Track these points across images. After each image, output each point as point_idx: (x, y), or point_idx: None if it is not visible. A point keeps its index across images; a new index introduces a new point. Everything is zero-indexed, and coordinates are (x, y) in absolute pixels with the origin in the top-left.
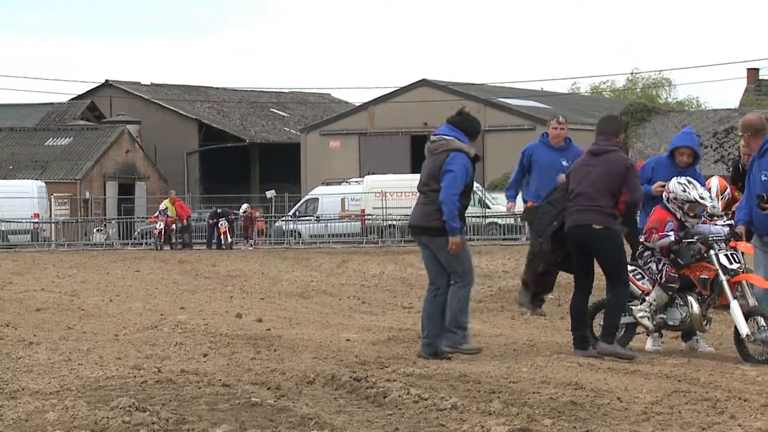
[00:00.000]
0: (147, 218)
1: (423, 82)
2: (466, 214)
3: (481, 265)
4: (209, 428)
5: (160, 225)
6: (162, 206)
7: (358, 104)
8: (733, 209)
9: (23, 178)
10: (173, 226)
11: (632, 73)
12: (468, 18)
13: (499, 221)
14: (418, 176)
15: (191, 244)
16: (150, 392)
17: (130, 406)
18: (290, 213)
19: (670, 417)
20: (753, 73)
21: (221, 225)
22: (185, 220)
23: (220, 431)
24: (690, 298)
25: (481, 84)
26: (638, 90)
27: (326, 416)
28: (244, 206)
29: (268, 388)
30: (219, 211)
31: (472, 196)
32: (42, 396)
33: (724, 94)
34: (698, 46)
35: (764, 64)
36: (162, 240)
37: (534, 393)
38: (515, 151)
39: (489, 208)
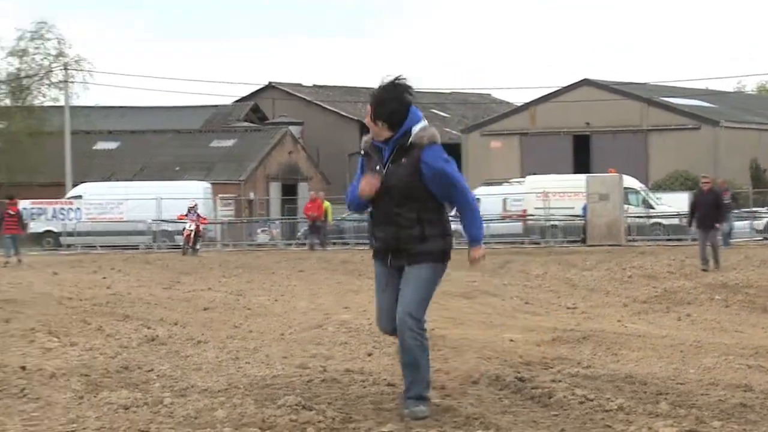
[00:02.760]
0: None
1: (585, 82)
2: (628, 214)
3: (645, 265)
4: (375, 427)
5: (190, 226)
6: (191, 203)
7: (519, 104)
8: None
9: (189, 180)
10: (202, 228)
11: None
12: (631, 16)
13: (664, 222)
14: (581, 176)
15: (325, 244)
16: (316, 391)
17: (296, 405)
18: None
19: None
20: None
21: None
22: (319, 221)
23: (386, 430)
24: None
25: (644, 83)
26: None
27: (491, 416)
28: None
29: (433, 388)
30: None
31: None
32: (210, 394)
33: None
34: None
35: None
36: (190, 243)
37: (702, 395)
38: (679, 150)
39: (653, 208)
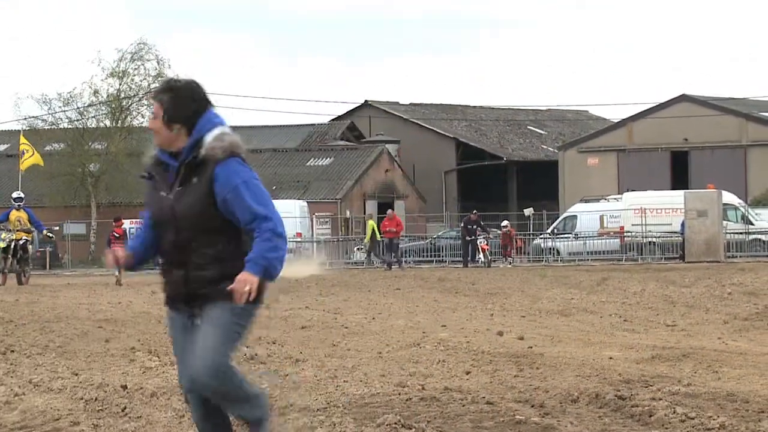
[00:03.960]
0: (409, 236)
1: (682, 98)
2: (727, 230)
3: (745, 282)
4: None
5: None
6: None
7: (616, 120)
8: None
9: (286, 198)
10: None
11: None
12: (727, 31)
13: (763, 237)
14: (679, 192)
15: (397, 263)
16: (415, 409)
17: (396, 423)
18: (548, 230)
19: None
20: None
21: (481, 242)
22: (396, 238)
23: None
24: None
25: (743, 98)
26: None
27: None
28: (506, 222)
29: (532, 406)
30: (475, 218)
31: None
32: (310, 412)
33: None
34: None
35: None
36: None
37: None
38: None
39: (752, 224)
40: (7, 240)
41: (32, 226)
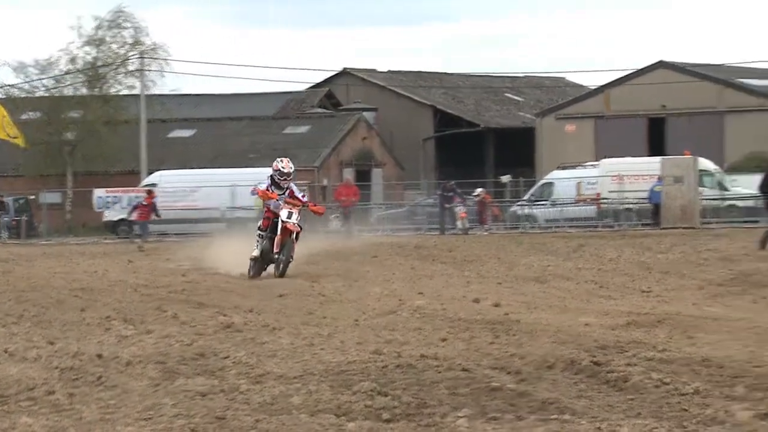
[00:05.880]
0: (386, 204)
1: (660, 64)
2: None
3: (720, 248)
4: (450, 412)
5: (288, 216)
6: (283, 166)
7: (593, 87)
8: None
9: (263, 167)
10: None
11: None
12: None
13: (738, 203)
14: (655, 159)
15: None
16: (391, 377)
17: (371, 390)
18: (525, 197)
19: None
20: None
21: (459, 210)
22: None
23: (461, 415)
24: None
25: (720, 65)
26: None
27: (567, 401)
28: (479, 190)
29: (508, 373)
30: (452, 186)
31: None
32: (286, 380)
33: None
34: None
35: None
36: (292, 252)
37: None
38: (756, 132)
39: (728, 190)
40: None
41: None
